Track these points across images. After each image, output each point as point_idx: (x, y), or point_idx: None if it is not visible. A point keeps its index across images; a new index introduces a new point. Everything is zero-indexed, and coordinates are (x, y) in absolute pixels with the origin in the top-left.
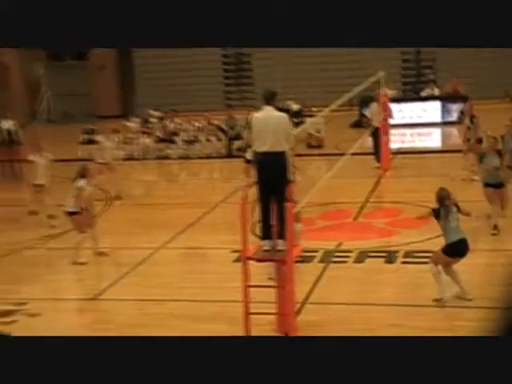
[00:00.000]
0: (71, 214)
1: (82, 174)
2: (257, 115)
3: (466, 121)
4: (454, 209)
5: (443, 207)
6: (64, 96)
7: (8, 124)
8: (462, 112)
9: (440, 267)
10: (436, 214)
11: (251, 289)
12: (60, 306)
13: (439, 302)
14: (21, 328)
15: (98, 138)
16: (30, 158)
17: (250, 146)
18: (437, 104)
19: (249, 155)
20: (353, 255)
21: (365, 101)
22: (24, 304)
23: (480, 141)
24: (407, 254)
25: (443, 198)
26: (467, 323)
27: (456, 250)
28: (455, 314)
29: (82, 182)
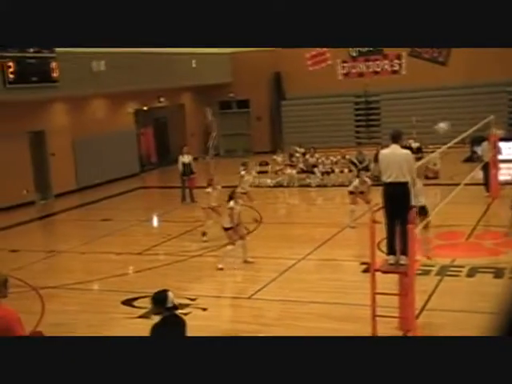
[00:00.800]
0: (226, 229)
1: (231, 197)
2: (384, 151)
3: None
4: None
5: None
6: (228, 136)
7: (187, 158)
8: None
9: None
10: None
11: (377, 295)
12: (222, 302)
13: None
14: (193, 318)
15: (241, 172)
16: (207, 190)
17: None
18: None
19: (352, 187)
20: (465, 270)
21: (475, 140)
22: (195, 300)
23: None
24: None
25: None
26: None
27: None
28: None
29: (231, 203)
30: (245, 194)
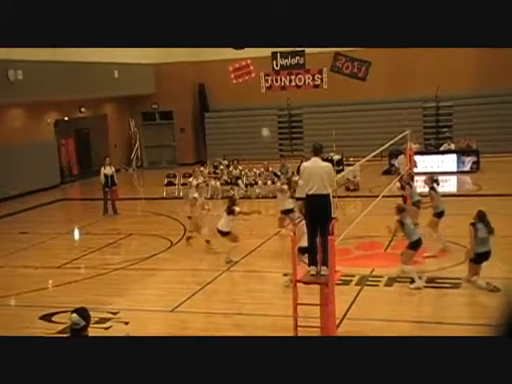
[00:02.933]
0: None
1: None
2: (306, 164)
3: None
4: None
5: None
6: (151, 147)
7: (110, 170)
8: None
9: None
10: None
11: (299, 306)
12: (145, 315)
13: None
14: (115, 332)
15: (190, 179)
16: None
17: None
18: (453, 156)
19: (286, 205)
20: (383, 280)
21: (393, 153)
22: (116, 313)
23: None
24: (429, 280)
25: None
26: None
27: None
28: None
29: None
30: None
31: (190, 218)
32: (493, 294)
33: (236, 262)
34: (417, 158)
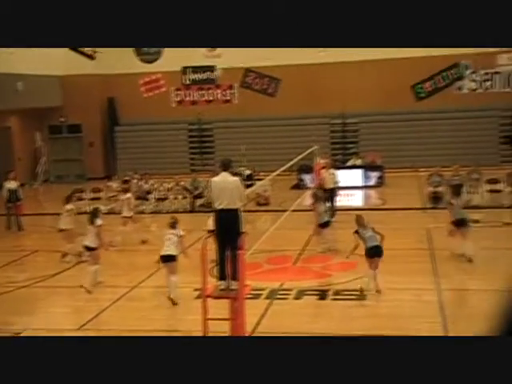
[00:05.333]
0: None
1: (95, 214)
2: (215, 179)
3: None
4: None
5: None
6: (59, 161)
7: (14, 184)
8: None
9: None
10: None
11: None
12: (51, 335)
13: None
14: None
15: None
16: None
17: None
18: (359, 172)
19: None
20: (293, 293)
21: (302, 168)
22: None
23: None
24: (336, 292)
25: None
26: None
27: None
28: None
29: (99, 221)
30: (129, 217)
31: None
32: (395, 306)
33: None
34: (339, 172)
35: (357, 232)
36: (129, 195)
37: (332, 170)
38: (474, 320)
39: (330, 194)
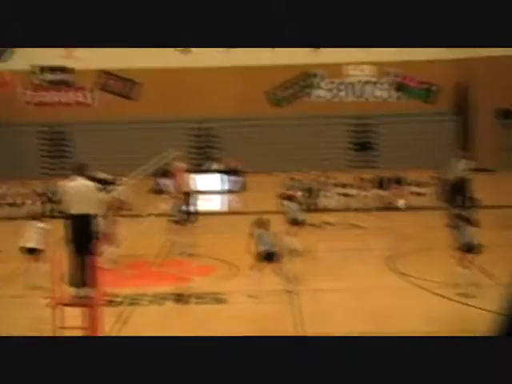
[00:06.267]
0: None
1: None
2: (69, 184)
3: None
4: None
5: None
6: None
7: None
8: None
9: None
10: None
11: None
12: None
13: None
14: None
15: None
16: None
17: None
18: (220, 176)
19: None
20: (150, 298)
21: (160, 172)
22: None
23: None
24: (195, 296)
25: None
26: None
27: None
28: None
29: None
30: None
31: None
32: (253, 309)
33: None
34: (197, 176)
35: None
36: None
37: (191, 175)
38: (327, 319)
39: (188, 198)
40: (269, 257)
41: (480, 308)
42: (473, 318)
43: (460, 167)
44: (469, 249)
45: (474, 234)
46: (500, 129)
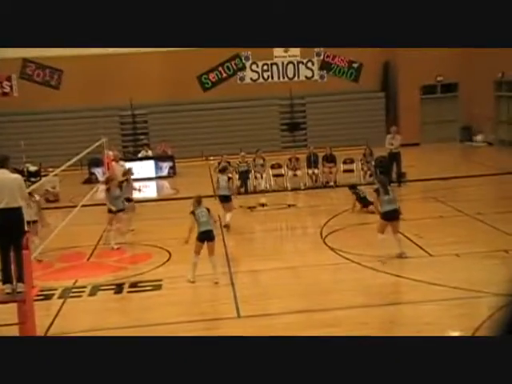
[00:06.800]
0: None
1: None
2: None
3: None
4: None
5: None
6: None
7: None
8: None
9: None
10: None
11: None
12: None
13: None
14: None
15: None
16: None
17: None
18: (151, 163)
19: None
20: (87, 290)
21: (93, 162)
22: None
23: None
24: (132, 285)
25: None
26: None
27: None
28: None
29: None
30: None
31: None
32: (190, 293)
33: None
34: (115, 165)
35: (193, 213)
36: None
37: (122, 162)
38: (266, 299)
39: (121, 186)
40: (208, 236)
41: (407, 278)
42: (402, 289)
43: (395, 143)
44: (389, 217)
45: (392, 202)
46: (424, 104)
